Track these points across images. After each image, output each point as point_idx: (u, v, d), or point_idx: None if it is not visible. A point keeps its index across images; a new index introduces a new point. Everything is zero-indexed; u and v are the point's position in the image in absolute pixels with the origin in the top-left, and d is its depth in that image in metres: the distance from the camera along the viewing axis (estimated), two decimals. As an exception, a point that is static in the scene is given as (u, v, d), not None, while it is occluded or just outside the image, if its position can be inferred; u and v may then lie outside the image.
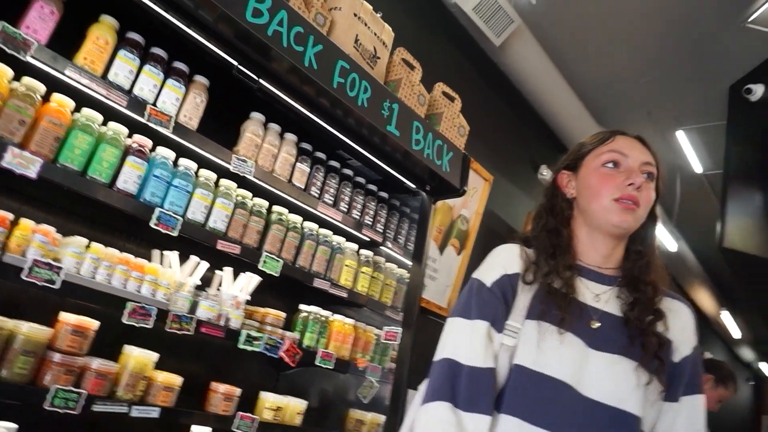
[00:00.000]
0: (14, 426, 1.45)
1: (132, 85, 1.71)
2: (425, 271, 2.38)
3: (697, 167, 5.32)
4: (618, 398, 1.06)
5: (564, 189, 1.27)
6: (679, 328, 1.17)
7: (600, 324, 1.12)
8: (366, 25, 2.04)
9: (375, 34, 2.09)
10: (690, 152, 5.08)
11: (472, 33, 3.70)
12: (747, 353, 10.73)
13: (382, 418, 2.37)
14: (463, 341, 1.11)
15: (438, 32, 3.62)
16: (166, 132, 1.73)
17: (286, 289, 2.25)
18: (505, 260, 1.18)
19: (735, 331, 8.82)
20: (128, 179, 1.67)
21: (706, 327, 8.94)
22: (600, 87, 4.67)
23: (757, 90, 3.89)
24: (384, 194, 2.49)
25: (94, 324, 1.60)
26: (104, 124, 1.68)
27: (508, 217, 4.36)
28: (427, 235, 2.40)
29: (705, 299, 7.77)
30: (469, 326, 1.12)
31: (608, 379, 1.07)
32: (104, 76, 1.65)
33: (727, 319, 8.31)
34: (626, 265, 1.21)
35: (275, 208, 2.09)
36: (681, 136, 4.99)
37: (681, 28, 3.96)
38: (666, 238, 5.86)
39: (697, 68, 4.33)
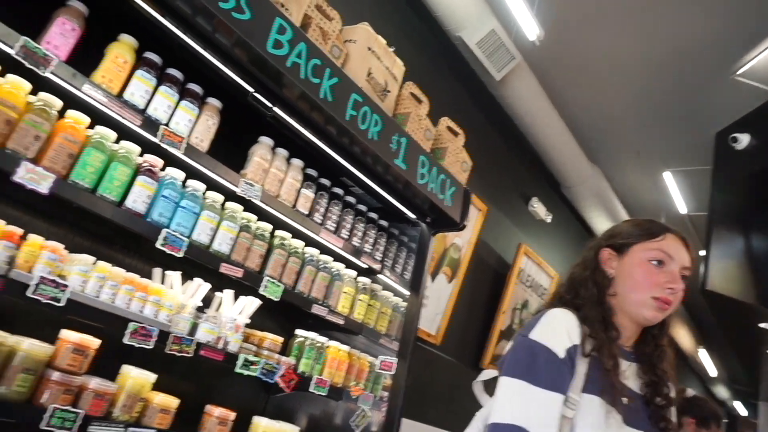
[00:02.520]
0: (8, 445, 1.42)
1: (147, 105, 1.72)
2: (422, 302, 2.39)
3: (682, 208, 5.45)
4: None
5: (605, 265, 1.31)
6: None
7: (628, 400, 1.17)
8: (379, 59, 2.09)
9: (387, 68, 2.13)
10: (676, 193, 5.20)
11: (474, 66, 3.79)
12: (722, 391, 10.87)
13: (371, 448, 2.36)
14: (535, 412, 1.09)
15: (441, 64, 3.69)
16: (178, 153, 1.74)
17: (285, 313, 2.25)
18: (569, 328, 1.18)
19: (711, 369, 8.94)
20: (138, 198, 1.68)
21: (684, 364, 9.05)
22: (593, 125, 4.78)
23: (743, 139, 4.02)
24: (384, 223, 2.51)
25: (95, 343, 1.59)
26: (117, 142, 1.69)
27: (498, 246, 4.41)
28: (426, 266, 2.42)
29: (683, 336, 7.88)
30: (542, 396, 1.10)
31: None
32: (120, 94, 1.66)
33: (704, 357, 8.43)
34: (644, 348, 1.28)
35: (278, 232, 2.10)
36: (668, 177, 5.11)
37: (673, 75, 4.10)
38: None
39: (686, 114, 4.47)
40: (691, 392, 3.04)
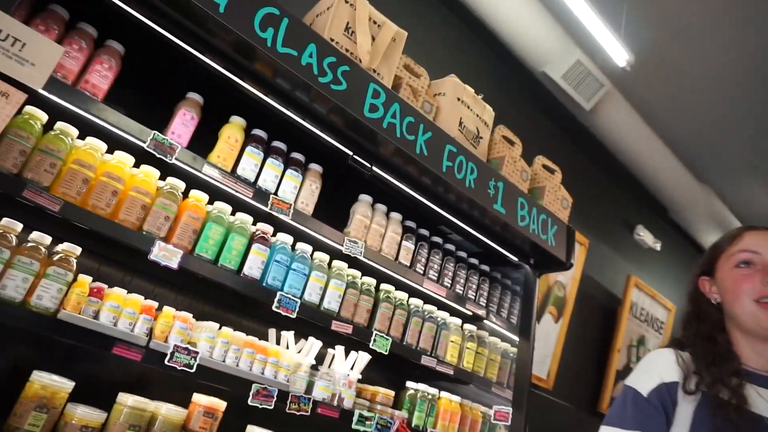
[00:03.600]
0: (153, 507, 1.52)
1: (257, 177, 1.85)
2: (533, 347, 2.31)
3: (815, 222, 4.89)
4: None
5: (709, 295, 1.23)
6: None
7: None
8: (469, 107, 2.11)
9: (477, 116, 2.15)
10: (805, 207, 4.70)
11: (562, 100, 3.72)
12: None
13: (492, 504, 2.26)
14: None
15: (528, 103, 3.66)
16: (286, 219, 1.85)
17: (393, 366, 2.26)
18: (662, 367, 1.13)
19: None
20: (253, 265, 1.78)
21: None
22: (698, 143, 4.47)
23: None
24: (485, 267, 2.48)
25: (223, 405, 1.68)
26: (233, 214, 1.82)
27: (605, 280, 4.18)
28: (533, 309, 2.34)
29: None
30: None
31: None
32: (233, 170, 1.80)
33: None
34: None
35: (383, 286, 2.14)
36: (793, 190, 4.65)
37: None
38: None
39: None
40: None
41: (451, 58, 3.03)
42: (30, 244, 1.41)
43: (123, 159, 1.61)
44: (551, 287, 3.61)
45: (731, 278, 1.16)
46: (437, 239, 2.33)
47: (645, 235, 4.50)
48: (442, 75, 2.20)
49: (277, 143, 1.93)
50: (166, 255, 1.58)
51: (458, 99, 2.08)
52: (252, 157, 1.84)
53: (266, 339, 1.93)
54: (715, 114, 4.17)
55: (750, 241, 1.18)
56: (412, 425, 2.10)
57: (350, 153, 1.85)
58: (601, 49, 3.08)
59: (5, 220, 1.40)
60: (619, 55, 2.92)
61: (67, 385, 1.44)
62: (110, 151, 1.61)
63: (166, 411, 1.57)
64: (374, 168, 1.92)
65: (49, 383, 1.40)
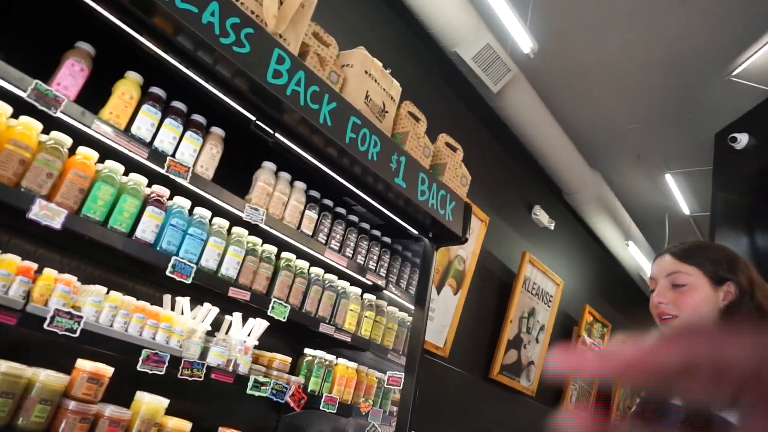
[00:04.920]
0: (28, 474, 1.46)
1: (153, 138, 1.78)
2: (428, 316, 2.43)
3: (685, 209, 5.47)
4: None
5: None
6: None
7: None
8: (376, 81, 2.14)
9: (384, 90, 2.19)
10: (678, 195, 5.23)
11: (472, 80, 3.85)
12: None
13: (382, 463, 2.38)
14: None
15: (439, 80, 3.76)
16: (184, 182, 1.80)
17: (292, 333, 2.29)
18: None
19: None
20: (147, 228, 1.73)
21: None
22: (592, 132, 4.83)
23: (742, 139, 4.06)
24: (387, 239, 2.56)
25: (109, 371, 1.64)
26: (125, 174, 1.74)
27: (502, 255, 4.44)
28: (430, 280, 2.46)
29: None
30: None
31: None
32: (128, 129, 1.72)
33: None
34: None
35: (284, 254, 2.15)
36: (669, 180, 5.15)
37: (670, 78, 4.14)
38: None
39: (684, 116, 4.51)
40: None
41: (365, 28, 3.03)
42: None
43: (-1, 109, 1.49)
44: (452, 261, 3.78)
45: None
46: (341, 210, 2.37)
47: (541, 215, 4.81)
48: (354, 45, 2.21)
49: (176, 103, 1.85)
50: (47, 214, 1.49)
51: (366, 72, 2.10)
52: (148, 116, 1.76)
53: (160, 305, 1.88)
54: (608, 105, 4.52)
55: (653, 268, 1.42)
56: (308, 390, 2.16)
57: (253, 119, 1.83)
58: (509, 35, 3.21)
59: None
60: (525, 42, 3.07)
61: (-72, 349, 1.34)
62: (-16, 99, 1.48)
63: (45, 377, 1.50)
64: (277, 135, 1.91)
65: None
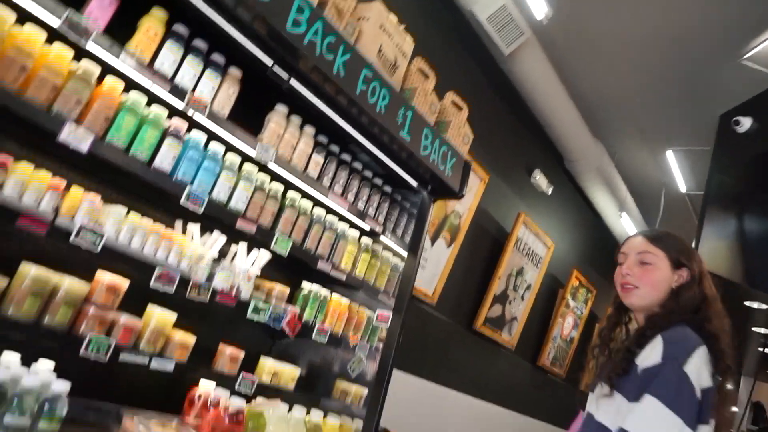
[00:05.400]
0: (52, 364, 1.65)
1: (175, 73, 1.89)
2: (418, 263, 2.60)
3: (682, 187, 5.57)
4: None
5: None
6: None
7: None
8: (390, 36, 2.22)
9: (397, 45, 2.27)
10: (677, 172, 5.31)
11: (485, 40, 3.88)
12: (710, 365, 11.17)
13: (365, 391, 2.61)
14: None
15: (453, 37, 3.79)
16: (201, 118, 1.92)
17: (292, 267, 2.46)
18: None
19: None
20: (165, 159, 1.86)
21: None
22: (600, 102, 4.87)
23: (745, 123, 4.12)
24: (388, 188, 2.70)
25: (125, 283, 1.81)
26: (148, 106, 1.86)
27: (499, 215, 4.60)
28: (425, 231, 2.62)
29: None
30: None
31: None
32: (151, 63, 1.83)
33: (694, 331, 8.65)
34: None
35: (290, 193, 2.29)
36: (670, 156, 5.22)
37: (681, 55, 4.16)
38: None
39: (691, 94, 4.55)
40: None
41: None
42: (-66, 108, 1.41)
43: (34, 34, 1.59)
44: (448, 215, 3.93)
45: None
46: (346, 157, 2.49)
47: (540, 179, 4.94)
48: None
49: (198, 42, 1.95)
50: (76, 138, 1.62)
51: (381, 26, 2.18)
52: (171, 52, 1.86)
53: (174, 229, 2.04)
54: (618, 77, 4.54)
55: (624, 244, 1.71)
56: (303, 319, 2.35)
57: (270, 64, 1.93)
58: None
59: None
60: (539, 7, 3.10)
61: (-30, 248, 1.50)
62: (20, 23, 1.58)
63: (69, 283, 1.68)
64: (292, 81, 2.01)
65: (-48, 245, 1.46)
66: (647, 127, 5.09)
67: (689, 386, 1.34)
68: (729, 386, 1.43)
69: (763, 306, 5.83)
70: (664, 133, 5.07)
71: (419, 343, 3.82)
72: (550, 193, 5.07)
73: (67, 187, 1.70)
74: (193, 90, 1.92)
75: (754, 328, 6.93)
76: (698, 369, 1.37)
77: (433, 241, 3.86)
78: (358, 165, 2.55)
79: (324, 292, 2.44)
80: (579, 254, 5.94)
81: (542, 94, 4.40)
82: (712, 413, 1.38)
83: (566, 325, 5.74)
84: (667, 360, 1.38)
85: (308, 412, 2.29)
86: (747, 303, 5.79)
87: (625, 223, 5.75)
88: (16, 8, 1.57)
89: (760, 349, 6.80)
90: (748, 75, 4.05)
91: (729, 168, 4.43)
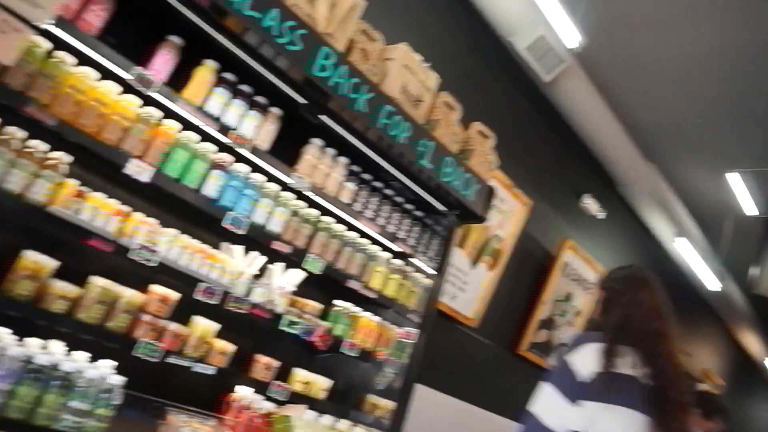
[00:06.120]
0: (114, 363, 1.95)
1: (222, 115, 2.18)
2: (444, 283, 2.74)
3: (750, 209, 5.29)
4: None
5: None
6: None
7: None
8: (414, 74, 2.44)
9: (421, 82, 2.48)
10: (742, 194, 5.07)
11: (525, 69, 4.01)
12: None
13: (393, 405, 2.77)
14: None
15: (495, 65, 3.95)
16: (245, 152, 2.20)
17: (325, 287, 2.68)
18: None
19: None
20: (211, 187, 2.16)
21: (754, 373, 8.70)
22: (650, 124, 4.81)
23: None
24: (419, 213, 2.87)
25: (175, 296, 2.10)
26: (199, 143, 2.17)
27: (545, 241, 4.63)
28: (449, 252, 2.77)
29: (752, 343, 7.62)
30: None
31: None
32: (202, 107, 2.13)
33: (772, 366, 8.08)
34: None
35: (323, 218, 2.53)
36: (734, 178, 5.00)
37: (736, 74, 4.05)
38: (708, 276, 5.89)
39: (752, 114, 4.39)
40: (703, 386, 3.20)
41: (427, 15, 3.29)
42: (29, 150, 1.76)
43: (109, 87, 1.93)
44: (489, 239, 4.04)
45: None
46: (378, 184, 2.70)
47: (590, 204, 4.92)
48: (416, 32, 2.45)
49: (243, 87, 2.25)
50: (138, 170, 1.95)
51: (405, 65, 2.40)
52: (219, 97, 2.17)
53: (218, 249, 2.33)
54: (670, 99, 4.48)
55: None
56: (333, 335, 2.56)
57: (301, 102, 2.19)
58: (558, 29, 3.35)
59: (11, 128, 1.74)
60: (572, 37, 3.21)
61: (51, 262, 1.83)
62: (103, 79, 1.93)
63: (129, 294, 1.98)
64: (323, 118, 2.27)
65: (37, 259, 1.79)
66: (706, 149, 4.95)
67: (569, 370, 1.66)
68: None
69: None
70: (727, 155, 4.91)
71: (461, 366, 3.91)
72: (602, 217, 5.03)
73: (131, 213, 2.02)
74: (237, 128, 2.21)
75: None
76: (584, 358, 1.66)
77: (474, 264, 3.97)
78: (389, 191, 2.75)
79: (355, 309, 2.64)
80: (636, 280, 5.77)
81: (587, 119, 4.44)
82: (610, 394, 1.59)
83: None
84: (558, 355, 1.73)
85: (336, 422, 2.47)
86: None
87: (682, 248, 5.55)
88: (98, 66, 1.92)
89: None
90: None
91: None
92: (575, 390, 1.62)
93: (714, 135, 4.80)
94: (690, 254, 5.60)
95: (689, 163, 5.23)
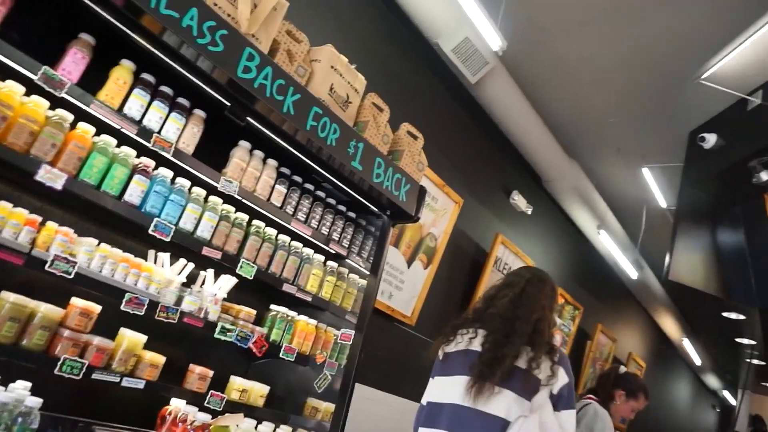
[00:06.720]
0: (29, 384, 1.82)
1: (142, 117, 2.10)
2: (380, 283, 2.76)
3: (662, 202, 5.70)
4: None
5: None
6: None
7: None
8: (341, 75, 2.44)
9: (348, 83, 2.49)
10: (655, 188, 5.45)
11: (452, 70, 4.11)
12: (712, 381, 11.13)
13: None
14: None
15: (424, 67, 4.03)
16: (167, 156, 2.13)
17: (260, 291, 2.64)
18: None
19: (696, 359, 9.22)
20: (133, 193, 2.07)
21: (672, 353, 9.33)
22: (572, 123, 5.07)
23: (710, 139, 4.29)
24: (352, 214, 2.88)
25: (97, 308, 2.00)
26: (117, 147, 2.07)
27: (477, 237, 4.76)
28: (384, 252, 2.79)
29: (669, 325, 8.16)
30: None
31: None
32: (120, 109, 2.04)
33: (688, 346, 8.70)
34: None
35: (254, 221, 2.48)
36: (646, 173, 5.37)
37: (648, 75, 4.36)
38: (628, 266, 6.26)
39: (661, 113, 4.74)
40: (623, 369, 3.41)
41: (353, 17, 3.31)
42: None
43: (13, 88, 1.81)
44: (424, 238, 4.11)
45: None
46: (309, 186, 2.69)
47: (519, 200, 5.11)
48: (343, 34, 2.47)
49: (164, 88, 2.17)
50: (50, 177, 1.83)
51: (332, 67, 2.40)
52: (138, 98, 2.08)
53: (145, 258, 2.23)
54: (588, 99, 4.75)
55: None
56: (270, 340, 2.51)
57: (227, 104, 2.14)
58: (481, 31, 3.46)
59: None
60: (494, 41, 3.32)
61: (-47, 279, 1.69)
62: (2, 79, 1.81)
63: (45, 309, 1.86)
64: (249, 120, 2.22)
65: (-63, 277, 1.65)
66: (622, 146, 5.27)
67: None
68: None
69: (741, 316, 5.89)
70: (639, 151, 5.25)
71: (400, 363, 3.95)
72: (530, 213, 5.23)
73: (43, 223, 1.90)
74: (159, 131, 2.14)
75: (737, 339, 6.94)
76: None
77: (410, 263, 4.02)
78: (321, 193, 2.74)
79: (291, 313, 2.61)
80: (563, 272, 6.07)
81: (513, 118, 4.61)
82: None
83: (554, 342, 5.83)
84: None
85: (276, 428, 2.43)
86: (725, 314, 5.85)
87: (605, 241, 5.88)
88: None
89: (748, 360, 6.83)
90: (712, 93, 4.22)
91: (698, 183, 4.59)
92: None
93: (629, 133, 5.12)
94: (611, 245, 5.94)
95: (608, 159, 5.55)
